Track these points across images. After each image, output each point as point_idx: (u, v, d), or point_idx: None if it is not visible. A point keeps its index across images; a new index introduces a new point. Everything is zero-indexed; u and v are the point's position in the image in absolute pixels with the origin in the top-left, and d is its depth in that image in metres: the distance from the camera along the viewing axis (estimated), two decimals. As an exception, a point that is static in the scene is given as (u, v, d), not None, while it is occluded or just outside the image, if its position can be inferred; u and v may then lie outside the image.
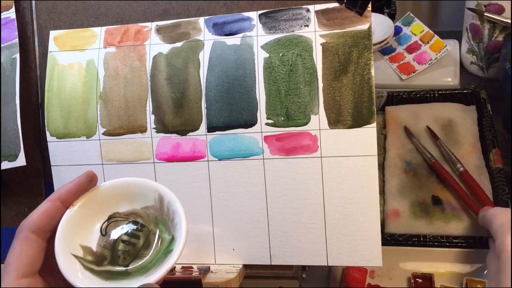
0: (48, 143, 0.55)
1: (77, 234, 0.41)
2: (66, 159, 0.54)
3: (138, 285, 0.37)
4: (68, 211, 0.40)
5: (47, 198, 0.41)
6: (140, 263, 0.40)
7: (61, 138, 0.55)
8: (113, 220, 0.43)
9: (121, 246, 0.41)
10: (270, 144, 0.51)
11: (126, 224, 0.42)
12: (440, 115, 0.73)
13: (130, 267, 0.40)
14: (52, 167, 0.55)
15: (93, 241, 0.42)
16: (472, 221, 0.61)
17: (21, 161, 0.53)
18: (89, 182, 0.42)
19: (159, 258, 0.40)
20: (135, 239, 0.42)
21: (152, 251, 0.41)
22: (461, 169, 0.65)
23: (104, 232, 0.42)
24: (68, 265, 0.38)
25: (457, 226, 0.61)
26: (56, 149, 0.55)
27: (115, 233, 0.42)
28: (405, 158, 0.69)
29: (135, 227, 0.42)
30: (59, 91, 0.55)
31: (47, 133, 0.55)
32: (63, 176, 0.55)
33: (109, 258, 0.41)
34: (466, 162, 0.67)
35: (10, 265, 0.37)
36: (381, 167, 0.69)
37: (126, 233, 0.42)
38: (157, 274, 0.38)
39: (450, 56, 0.84)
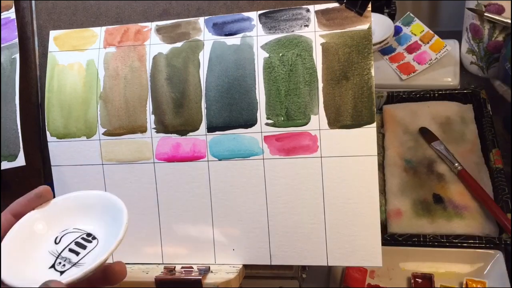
0: (48, 143, 0.55)
1: (26, 244, 0.41)
2: (66, 159, 0.54)
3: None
4: (17, 222, 0.41)
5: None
6: (75, 271, 0.40)
7: (61, 138, 0.55)
8: (68, 232, 0.43)
9: (65, 253, 0.41)
10: (270, 144, 0.51)
11: (80, 235, 0.43)
12: (438, 113, 0.73)
13: (64, 274, 0.40)
14: (52, 167, 0.55)
15: (44, 250, 0.42)
16: (475, 219, 0.61)
17: (20, 161, 0.53)
18: (38, 199, 0.42)
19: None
20: (81, 248, 0.42)
21: (90, 260, 0.41)
22: (459, 168, 0.65)
23: (58, 241, 0.42)
24: (10, 272, 0.38)
25: (459, 224, 0.61)
26: (56, 149, 0.55)
27: (66, 241, 0.42)
28: (404, 157, 0.69)
29: (86, 237, 0.42)
30: (59, 91, 0.55)
31: (48, 133, 0.55)
32: (64, 176, 0.55)
33: (51, 264, 0.41)
34: (466, 160, 0.67)
35: None
36: (381, 166, 0.69)
37: (76, 243, 0.42)
38: (71, 272, 0.38)
39: (450, 56, 0.84)
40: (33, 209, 0.42)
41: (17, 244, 0.40)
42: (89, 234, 0.43)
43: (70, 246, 0.42)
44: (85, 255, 0.41)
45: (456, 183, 0.65)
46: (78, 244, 0.42)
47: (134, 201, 0.53)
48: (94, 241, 0.42)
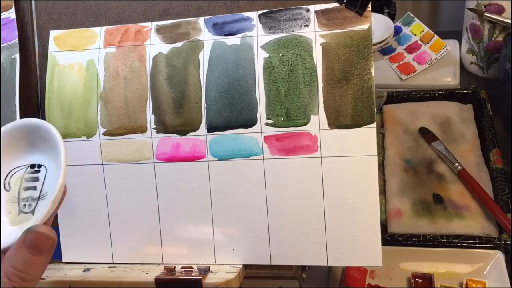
0: (48, 143, 0.55)
1: None
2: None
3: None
4: None
5: None
6: (46, 204, 0.39)
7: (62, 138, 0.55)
8: (11, 173, 0.41)
9: (23, 194, 0.40)
10: (270, 144, 0.51)
11: (25, 170, 0.41)
12: (438, 113, 0.73)
13: (36, 213, 0.39)
14: (52, 167, 0.55)
15: (1, 202, 0.41)
16: (475, 219, 0.61)
17: None
18: None
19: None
20: (35, 181, 0.40)
21: (52, 187, 0.40)
22: (459, 167, 0.65)
23: (8, 187, 0.41)
24: None
25: (459, 225, 0.61)
26: (56, 149, 0.55)
27: (16, 184, 0.41)
28: (404, 157, 0.69)
29: (32, 170, 0.41)
30: (60, 91, 0.55)
31: (47, 133, 0.55)
32: (63, 176, 0.55)
33: (16, 210, 0.40)
34: (466, 159, 0.67)
35: None
36: (381, 166, 0.69)
37: (26, 179, 0.41)
38: (40, 212, 0.37)
39: (450, 56, 0.84)
40: None
41: None
42: (32, 166, 0.41)
43: (23, 185, 0.41)
44: (42, 185, 0.40)
45: (456, 183, 0.65)
46: (29, 179, 0.41)
47: (134, 201, 0.53)
48: (42, 169, 0.41)
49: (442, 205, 0.63)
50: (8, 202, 0.40)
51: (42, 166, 0.41)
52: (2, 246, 0.37)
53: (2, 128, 0.42)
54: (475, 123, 0.72)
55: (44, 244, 0.36)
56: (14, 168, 0.42)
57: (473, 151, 0.68)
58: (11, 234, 0.38)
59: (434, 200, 0.64)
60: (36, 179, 0.41)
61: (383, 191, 0.66)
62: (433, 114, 0.73)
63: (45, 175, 0.41)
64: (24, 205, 0.40)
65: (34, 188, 0.40)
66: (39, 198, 0.40)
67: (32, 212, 0.39)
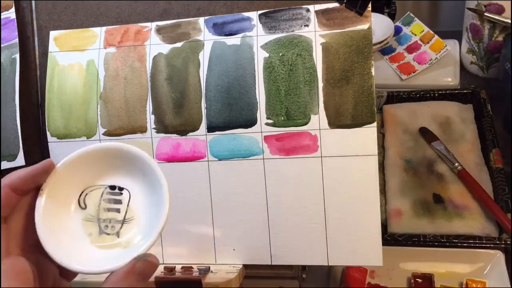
0: (48, 143, 0.55)
1: (55, 218, 0.39)
2: (66, 159, 0.54)
3: (130, 257, 0.36)
4: (38, 198, 0.38)
5: None
6: (130, 228, 0.39)
7: (62, 139, 0.55)
8: (88, 190, 0.41)
9: (104, 215, 0.40)
10: (270, 144, 0.51)
11: (104, 190, 0.41)
12: (438, 113, 0.73)
13: (121, 236, 0.39)
14: (52, 167, 0.55)
15: (76, 219, 0.40)
16: (475, 219, 0.61)
17: (20, 161, 0.53)
18: (45, 174, 0.39)
19: (148, 217, 0.39)
20: (118, 204, 0.40)
21: (139, 212, 0.40)
22: (459, 167, 0.65)
23: (84, 205, 0.40)
24: (59, 252, 0.37)
25: (459, 224, 0.61)
26: (57, 149, 0.55)
27: (94, 203, 0.40)
28: (404, 157, 0.69)
29: (113, 191, 0.40)
30: (60, 92, 0.55)
31: (48, 134, 0.55)
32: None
33: (97, 231, 0.39)
34: (466, 159, 0.67)
35: None
36: (381, 166, 0.69)
37: (106, 200, 0.40)
38: (147, 242, 0.37)
39: (450, 56, 0.84)
40: (36, 184, 0.39)
41: (50, 227, 0.38)
42: (112, 187, 0.41)
43: (103, 206, 0.40)
44: (127, 209, 0.40)
45: (456, 183, 0.65)
46: (110, 201, 0.40)
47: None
48: (125, 192, 0.40)
49: (442, 205, 0.63)
50: (85, 221, 0.40)
51: (125, 189, 0.40)
52: (96, 269, 0.36)
53: (84, 148, 0.41)
54: (475, 123, 0.72)
55: (151, 272, 0.36)
56: (90, 187, 0.41)
57: (473, 151, 0.68)
58: (99, 255, 0.38)
59: (434, 200, 0.64)
60: (119, 202, 0.40)
61: (383, 191, 0.66)
62: (433, 114, 0.73)
63: (129, 198, 0.40)
64: (106, 226, 0.40)
65: (117, 210, 0.40)
66: (124, 221, 0.40)
67: (117, 234, 0.39)
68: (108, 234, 0.40)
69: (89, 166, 0.41)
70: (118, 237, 0.39)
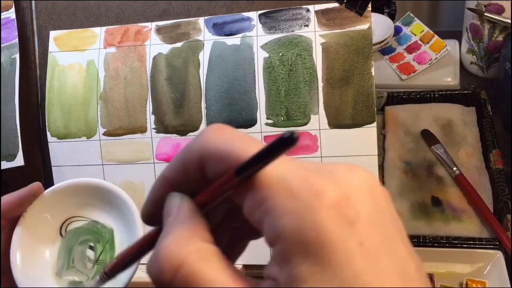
0: (48, 143, 0.55)
1: (32, 245, 0.39)
2: (67, 159, 0.54)
3: None
4: (18, 224, 0.39)
5: None
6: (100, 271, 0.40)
7: (62, 139, 0.55)
8: (71, 221, 0.41)
9: (79, 249, 0.40)
10: (270, 144, 0.50)
11: (86, 224, 0.41)
12: (440, 115, 0.73)
13: (90, 274, 0.39)
14: (53, 167, 0.55)
15: (54, 246, 0.40)
16: (473, 222, 0.61)
17: (19, 161, 0.53)
18: (32, 197, 0.40)
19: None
20: (95, 242, 0.40)
21: (114, 253, 0.40)
22: (457, 172, 0.65)
23: (64, 234, 0.40)
24: (28, 279, 0.37)
25: (457, 227, 0.61)
26: (57, 149, 0.55)
27: (74, 236, 0.40)
28: (404, 159, 0.69)
29: (95, 228, 0.40)
30: (60, 92, 0.55)
31: (48, 134, 0.55)
32: (64, 176, 0.55)
33: (68, 263, 0.40)
34: (466, 163, 0.67)
35: None
36: (381, 168, 0.68)
37: (86, 236, 0.40)
38: (123, 278, 0.37)
39: (450, 56, 0.84)
40: (23, 207, 0.39)
41: (24, 254, 0.38)
42: (95, 222, 0.41)
43: (81, 239, 0.40)
44: (102, 250, 0.40)
45: (455, 186, 0.65)
46: (90, 236, 0.40)
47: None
48: (104, 231, 0.40)
49: (440, 208, 0.63)
50: (61, 250, 0.40)
51: (106, 228, 0.40)
52: None
53: (77, 179, 0.41)
54: (477, 125, 0.72)
55: None
56: (74, 217, 0.41)
57: (474, 155, 0.68)
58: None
59: (433, 202, 0.64)
60: (98, 241, 0.40)
61: (382, 192, 0.66)
62: (435, 116, 0.73)
63: (108, 240, 0.40)
64: (78, 262, 0.40)
65: (92, 248, 0.40)
66: (96, 262, 0.40)
67: (87, 274, 0.39)
68: (78, 270, 0.40)
69: (75, 197, 0.41)
70: (88, 275, 0.39)
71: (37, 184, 0.40)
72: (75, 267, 0.40)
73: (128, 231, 0.40)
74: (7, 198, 0.39)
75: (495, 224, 0.59)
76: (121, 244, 0.40)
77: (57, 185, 0.41)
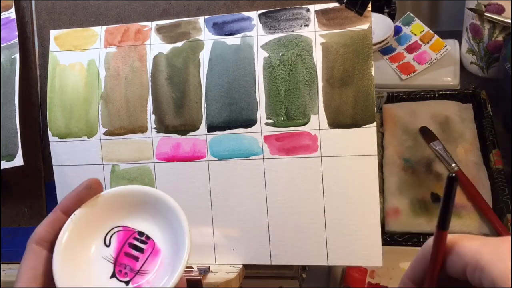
0: (50, 143, 0.55)
1: (78, 245, 0.39)
2: (68, 159, 0.54)
3: None
4: (68, 220, 0.39)
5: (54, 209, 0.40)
6: (141, 281, 0.39)
7: (63, 138, 0.55)
8: (117, 230, 0.41)
9: (123, 259, 0.40)
10: (270, 144, 0.51)
11: (131, 234, 0.41)
12: (437, 113, 0.73)
13: (130, 285, 0.39)
14: (54, 167, 0.55)
15: (96, 252, 0.40)
16: (472, 218, 0.61)
17: (18, 161, 0.53)
18: (88, 190, 0.40)
19: (162, 274, 0.39)
20: (139, 252, 0.40)
21: (156, 267, 0.40)
22: (456, 168, 0.65)
23: (108, 243, 0.40)
24: (65, 278, 0.37)
25: (456, 224, 0.61)
26: (58, 149, 0.55)
27: (119, 245, 0.40)
28: (403, 156, 0.69)
29: (140, 238, 0.40)
30: (61, 91, 0.55)
31: (49, 133, 0.55)
32: (65, 176, 0.55)
33: (110, 273, 0.39)
34: (464, 159, 0.67)
35: (18, 278, 0.37)
36: (380, 165, 0.69)
37: (130, 245, 0.40)
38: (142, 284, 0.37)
39: (450, 56, 0.84)
40: (82, 203, 0.40)
41: (68, 254, 0.38)
42: (141, 233, 0.41)
43: (125, 250, 0.40)
44: (145, 260, 0.39)
45: (454, 182, 0.65)
46: (133, 246, 0.40)
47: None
48: (149, 242, 0.40)
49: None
50: (104, 259, 0.40)
51: (152, 240, 0.40)
52: None
53: (127, 187, 0.42)
54: (475, 122, 0.72)
55: None
56: (120, 226, 0.41)
57: (472, 151, 0.68)
58: None
59: (432, 199, 0.64)
60: (141, 250, 0.40)
61: (381, 190, 0.66)
62: (432, 114, 0.73)
63: (152, 250, 0.40)
64: (120, 271, 0.40)
65: (136, 259, 0.40)
66: (138, 272, 0.39)
67: (126, 283, 0.39)
68: (120, 280, 0.39)
69: (125, 205, 0.41)
70: (126, 285, 0.39)
71: (92, 180, 0.41)
72: (116, 277, 0.40)
73: (174, 243, 0.40)
74: (69, 194, 0.40)
75: (494, 219, 0.60)
76: (165, 256, 0.40)
77: (113, 189, 0.41)
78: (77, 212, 0.40)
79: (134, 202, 0.41)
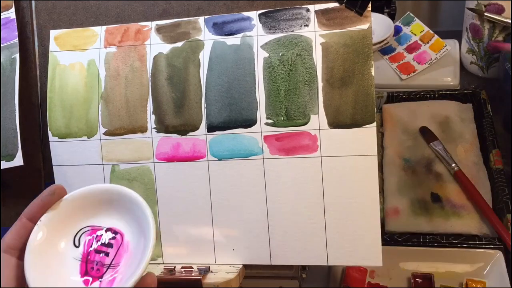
0: (50, 143, 0.55)
1: (48, 249, 0.40)
2: (68, 159, 0.54)
3: None
4: (36, 226, 0.40)
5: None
6: (113, 274, 0.40)
7: (63, 138, 0.55)
8: (85, 230, 0.42)
9: (94, 257, 0.41)
10: (270, 144, 0.51)
11: (100, 232, 0.42)
12: (437, 112, 0.73)
13: (104, 278, 0.40)
14: (54, 167, 0.55)
15: (67, 254, 0.41)
16: (472, 218, 0.61)
17: (18, 161, 0.53)
18: (51, 196, 0.41)
19: (133, 265, 0.39)
20: (109, 247, 0.41)
21: (126, 258, 0.40)
22: (456, 168, 0.65)
23: (78, 243, 0.41)
24: (37, 279, 0.38)
25: (456, 223, 0.61)
26: (58, 149, 0.55)
27: (88, 243, 0.41)
28: (403, 156, 0.69)
29: (108, 235, 0.41)
30: (61, 91, 0.55)
31: (49, 133, 0.55)
32: (65, 176, 0.55)
33: (83, 271, 0.40)
34: (464, 159, 0.67)
35: None
36: (380, 165, 0.69)
37: (99, 242, 0.41)
38: (128, 282, 0.37)
39: (450, 56, 0.84)
40: (47, 209, 0.41)
41: (39, 256, 0.39)
42: (109, 229, 0.42)
43: (95, 247, 0.41)
44: (115, 254, 0.40)
45: (454, 182, 0.65)
46: (103, 243, 0.41)
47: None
48: (118, 236, 0.41)
49: (440, 204, 0.63)
50: (75, 259, 0.41)
51: (119, 235, 0.41)
52: None
53: (89, 187, 0.43)
54: (475, 122, 0.72)
55: None
56: (88, 226, 0.42)
57: (471, 151, 0.68)
58: None
59: (432, 199, 0.64)
60: (111, 245, 0.41)
61: (381, 190, 0.66)
62: (432, 114, 0.73)
63: (120, 243, 0.41)
64: (92, 268, 0.40)
65: (107, 254, 0.41)
66: (109, 266, 0.40)
67: (100, 277, 0.40)
68: (91, 276, 0.40)
69: (90, 205, 0.42)
70: (100, 280, 0.40)
71: (56, 186, 0.42)
72: (89, 274, 0.40)
73: (141, 234, 0.40)
74: (33, 201, 0.41)
75: (494, 219, 0.60)
76: (134, 247, 0.41)
77: (74, 192, 0.42)
78: (43, 217, 0.41)
79: (99, 200, 0.42)
